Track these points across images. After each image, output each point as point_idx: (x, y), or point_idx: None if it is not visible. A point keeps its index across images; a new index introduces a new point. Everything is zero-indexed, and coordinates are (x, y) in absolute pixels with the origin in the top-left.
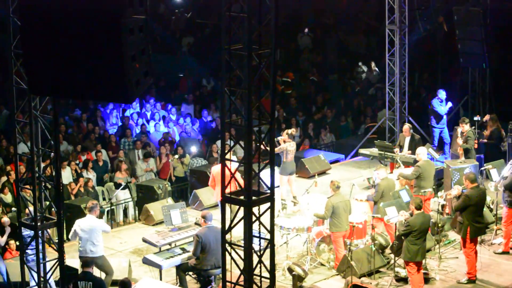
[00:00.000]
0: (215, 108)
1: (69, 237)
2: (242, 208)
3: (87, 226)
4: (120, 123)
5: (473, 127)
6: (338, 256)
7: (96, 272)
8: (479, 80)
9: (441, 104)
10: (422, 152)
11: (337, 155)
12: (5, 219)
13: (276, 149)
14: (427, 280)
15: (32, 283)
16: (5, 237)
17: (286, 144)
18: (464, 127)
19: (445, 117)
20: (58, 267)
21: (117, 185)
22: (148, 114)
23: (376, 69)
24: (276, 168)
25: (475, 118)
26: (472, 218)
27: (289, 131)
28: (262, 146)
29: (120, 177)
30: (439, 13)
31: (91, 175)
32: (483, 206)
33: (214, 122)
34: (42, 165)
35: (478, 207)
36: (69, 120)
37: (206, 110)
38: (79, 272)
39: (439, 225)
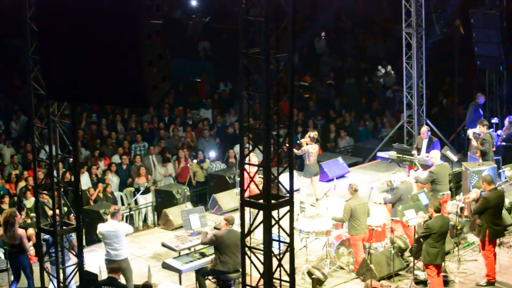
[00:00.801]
0: (234, 113)
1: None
2: (261, 212)
3: (110, 231)
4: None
5: (491, 130)
6: (357, 259)
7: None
8: (496, 83)
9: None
10: (436, 156)
11: (356, 159)
12: (31, 231)
13: (298, 151)
14: (446, 282)
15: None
16: (31, 242)
17: (308, 147)
18: (481, 129)
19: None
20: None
21: (138, 190)
22: None
23: (392, 72)
24: (298, 172)
25: (493, 121)
26: (490, 220)
27: (311, 134)
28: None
29: (141, 182)
30: (456, 16)
31: (115, 178)
32: (501, 208)
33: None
34: (61, 170)
35: (497, 209)
36: (86, 125)
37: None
38: (99, 277)
39: (458, 227)
